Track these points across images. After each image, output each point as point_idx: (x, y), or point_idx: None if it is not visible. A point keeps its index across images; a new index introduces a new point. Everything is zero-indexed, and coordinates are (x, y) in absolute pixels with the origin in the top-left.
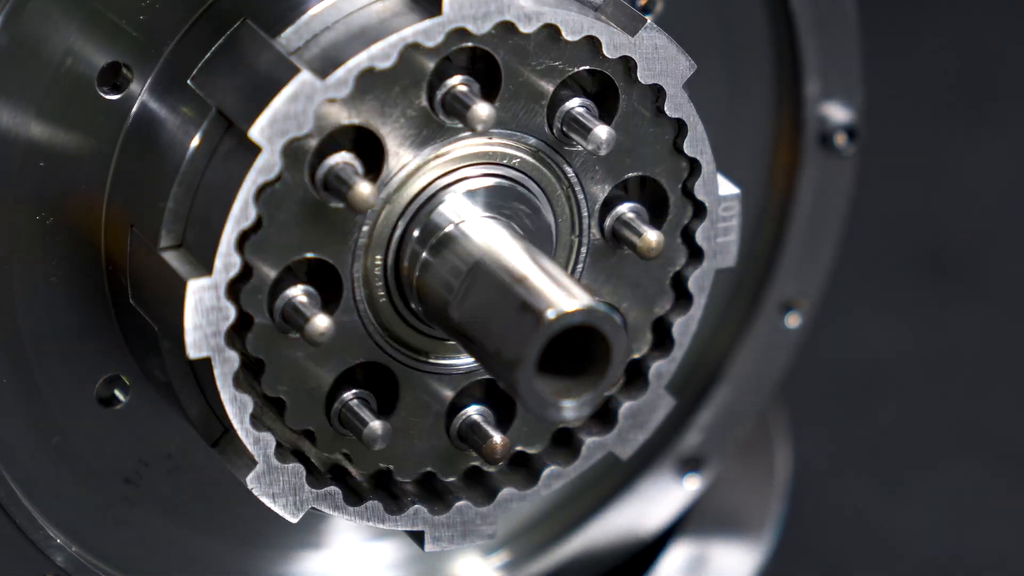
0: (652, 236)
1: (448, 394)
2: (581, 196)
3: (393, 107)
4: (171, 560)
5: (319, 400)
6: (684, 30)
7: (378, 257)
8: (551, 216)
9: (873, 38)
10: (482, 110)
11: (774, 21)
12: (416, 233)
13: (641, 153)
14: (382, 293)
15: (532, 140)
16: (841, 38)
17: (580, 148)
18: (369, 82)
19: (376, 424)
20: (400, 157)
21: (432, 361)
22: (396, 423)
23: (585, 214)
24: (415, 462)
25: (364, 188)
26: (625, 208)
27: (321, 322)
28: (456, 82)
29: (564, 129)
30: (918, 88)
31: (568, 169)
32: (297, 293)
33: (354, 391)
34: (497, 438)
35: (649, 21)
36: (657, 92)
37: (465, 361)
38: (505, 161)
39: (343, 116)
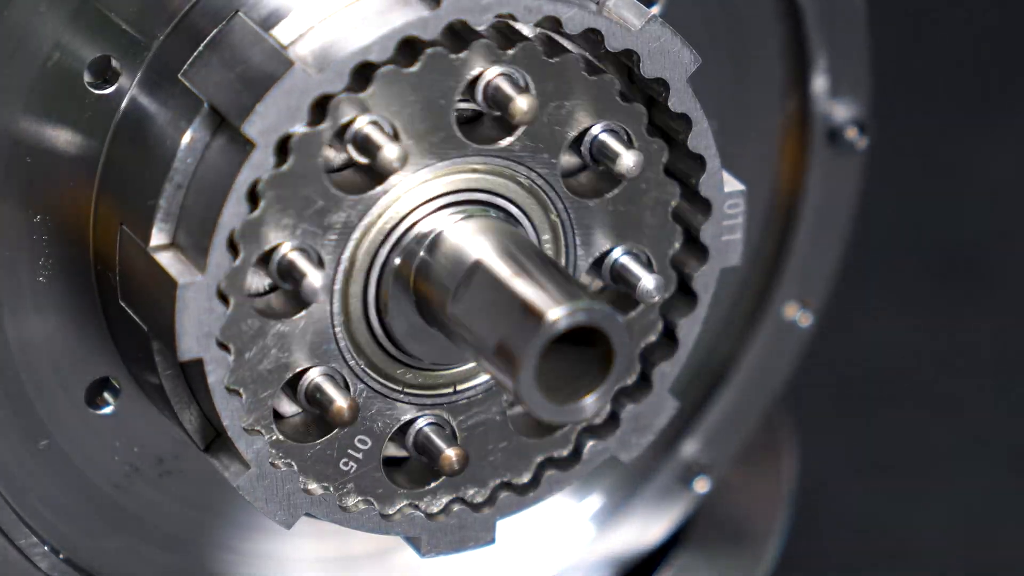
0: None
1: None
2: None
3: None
4: (161, 568)
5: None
6: (689, 24)
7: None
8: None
9: (883, 33)
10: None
11: (781, 15)
12: (411, 235)
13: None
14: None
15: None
16: (849, 32)
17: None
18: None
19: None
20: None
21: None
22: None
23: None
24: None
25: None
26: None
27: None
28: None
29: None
30: (932, 85)
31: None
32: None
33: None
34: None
35: (653, 13)
36: (661, 86)
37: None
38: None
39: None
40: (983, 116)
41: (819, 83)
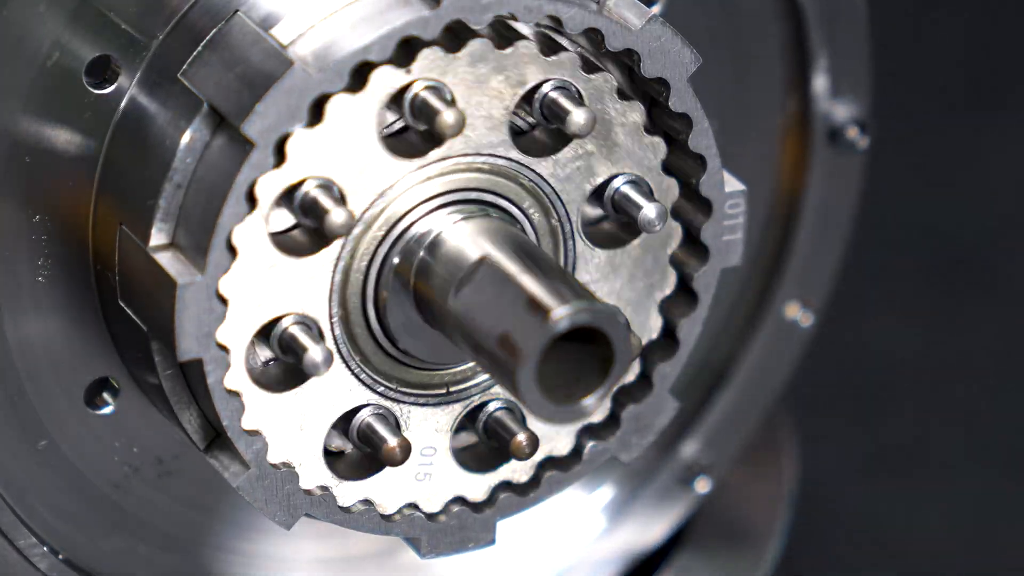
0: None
1: None
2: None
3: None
4: (160, 568)
5: None
6: (689, 23)
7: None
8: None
9: (883, 33)
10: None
11: (781, 14)
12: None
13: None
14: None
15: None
16: (850, 32)
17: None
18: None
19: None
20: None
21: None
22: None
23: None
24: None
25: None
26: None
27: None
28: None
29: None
30: (932, 85)
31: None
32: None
33: None
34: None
35: (653, 13)
36: (662, 86)
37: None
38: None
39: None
40: (984, 116)
41: (820, 83)
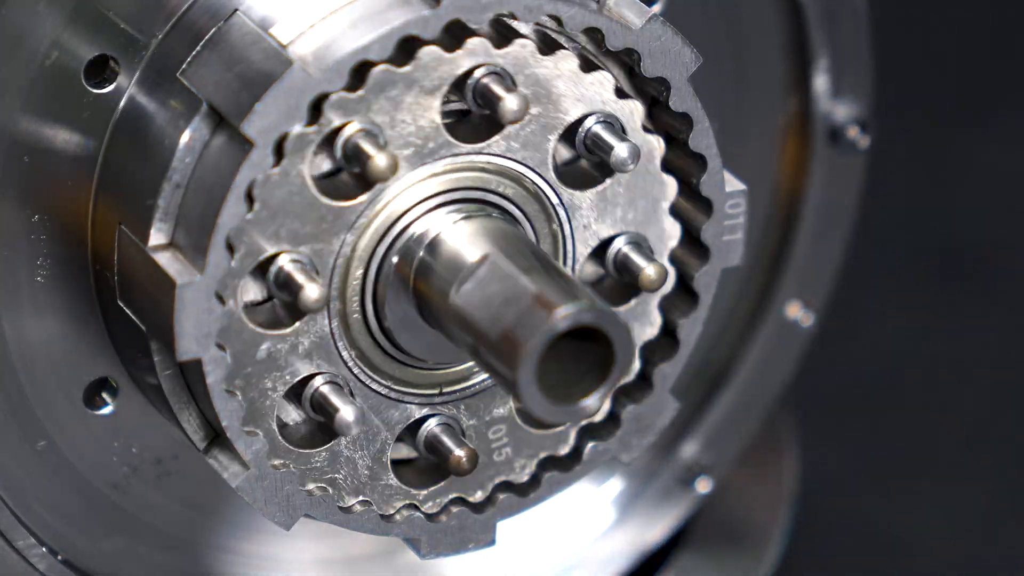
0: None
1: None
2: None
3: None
4: (159, 569)
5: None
6: (690, 23)
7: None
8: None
9: (884, 32)
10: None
11: (782, 14)
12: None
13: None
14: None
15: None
16: (851, 31)
17: None
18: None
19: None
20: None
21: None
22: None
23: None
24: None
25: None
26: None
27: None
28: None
29: None
30: (933, 85)
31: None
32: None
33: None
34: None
35: (653, 12)
36: (662, 85)
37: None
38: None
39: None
40: (986, 115)
41: (820, 82)
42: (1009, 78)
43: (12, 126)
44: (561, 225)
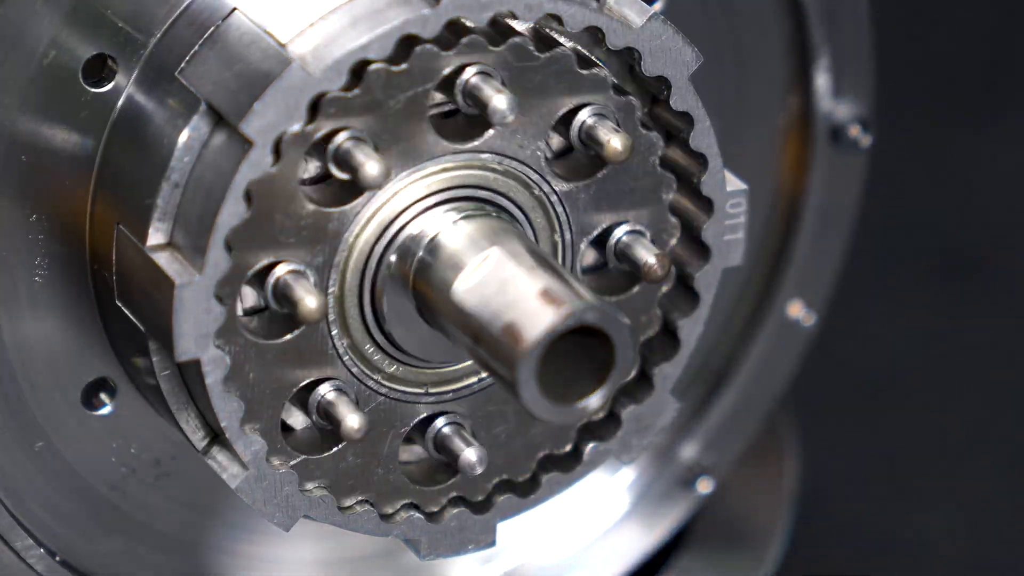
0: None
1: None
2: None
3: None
4: (158, 570)
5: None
6: (690, 21)
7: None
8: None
9: (885, 31)
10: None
11: (783, 12)
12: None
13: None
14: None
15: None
16: (852, 30)
17: None
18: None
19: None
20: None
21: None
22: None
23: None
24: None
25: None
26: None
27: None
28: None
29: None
30: (934, 84)
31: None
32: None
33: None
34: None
35: (654, 11)
36: (663, 84)
37: None
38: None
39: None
40: (987, 115)
41: (821, 81)
42: (1010, 78)
43: (10, 125)
44: (559, 218)
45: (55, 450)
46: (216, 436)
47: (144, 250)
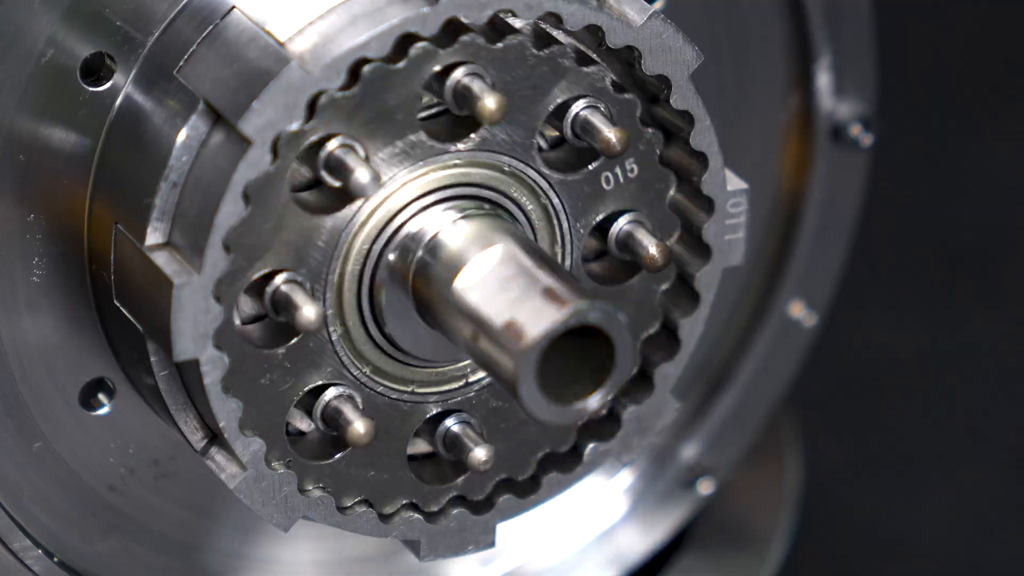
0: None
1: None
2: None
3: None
4: (157, 571)
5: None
6: (691, 20)
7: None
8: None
9: (887, 30)
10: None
11: (784, 11)
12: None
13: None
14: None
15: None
16: (854, 29)
17: None
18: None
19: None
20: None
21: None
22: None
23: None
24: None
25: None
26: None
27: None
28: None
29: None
30: (936, 83)
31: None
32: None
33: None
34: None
35: (654, 9)
36: (663, 83)
37: None
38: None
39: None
40: (989, 114)
41: (823, 80)
42: (1012, 77)
43: (7, 124)
44: (556, 213)
45: (53, 451)
46: (215, 436)
47: (142, 250)
